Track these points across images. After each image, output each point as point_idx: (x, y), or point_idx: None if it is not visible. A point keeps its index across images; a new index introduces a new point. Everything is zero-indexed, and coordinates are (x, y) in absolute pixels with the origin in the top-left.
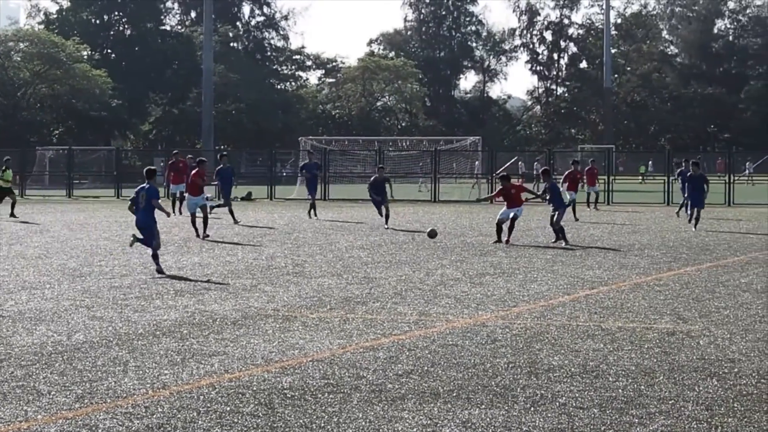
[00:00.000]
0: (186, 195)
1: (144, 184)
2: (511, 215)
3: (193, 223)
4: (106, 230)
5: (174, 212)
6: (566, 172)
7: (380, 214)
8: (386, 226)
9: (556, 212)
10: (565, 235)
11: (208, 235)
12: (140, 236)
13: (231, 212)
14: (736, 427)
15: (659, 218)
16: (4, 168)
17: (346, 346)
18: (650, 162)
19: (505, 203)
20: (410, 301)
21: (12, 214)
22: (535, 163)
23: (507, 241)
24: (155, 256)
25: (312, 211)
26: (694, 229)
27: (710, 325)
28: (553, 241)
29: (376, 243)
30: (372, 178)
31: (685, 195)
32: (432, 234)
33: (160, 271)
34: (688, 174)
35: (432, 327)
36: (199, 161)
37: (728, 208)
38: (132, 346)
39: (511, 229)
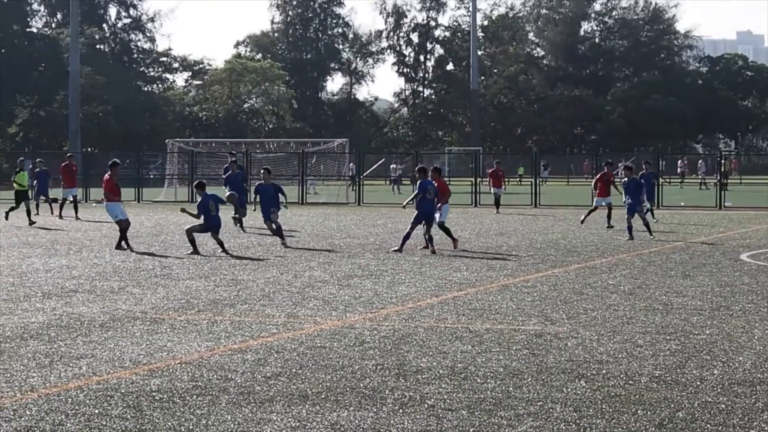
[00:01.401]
0: (106, 201)
1: (203, 193)
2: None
3: (125, 230)
4: None
5: (62, 215)
6: (598, 174)
7: (267, 219)
8: (284, 244)
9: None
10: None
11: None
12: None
13: (240, 221)
14: (604, 428)
15: (527, 220)
16: (18, 170)
17: (214, 349)
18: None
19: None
20: (278, 303)
21: (31, 222)
22: (394, 165)
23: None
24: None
25: (240, 223)
26: (630, 235)
27: (578, 326)
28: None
29: (244, 245)
30: (257, 183)
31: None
32: None
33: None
34: (624, 178)
35: (300, 329)
36: (113, 164)
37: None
38: None
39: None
